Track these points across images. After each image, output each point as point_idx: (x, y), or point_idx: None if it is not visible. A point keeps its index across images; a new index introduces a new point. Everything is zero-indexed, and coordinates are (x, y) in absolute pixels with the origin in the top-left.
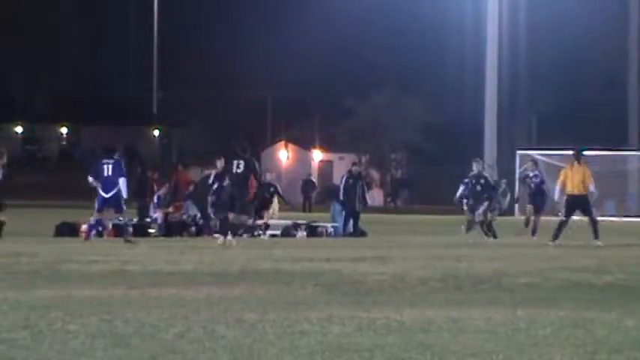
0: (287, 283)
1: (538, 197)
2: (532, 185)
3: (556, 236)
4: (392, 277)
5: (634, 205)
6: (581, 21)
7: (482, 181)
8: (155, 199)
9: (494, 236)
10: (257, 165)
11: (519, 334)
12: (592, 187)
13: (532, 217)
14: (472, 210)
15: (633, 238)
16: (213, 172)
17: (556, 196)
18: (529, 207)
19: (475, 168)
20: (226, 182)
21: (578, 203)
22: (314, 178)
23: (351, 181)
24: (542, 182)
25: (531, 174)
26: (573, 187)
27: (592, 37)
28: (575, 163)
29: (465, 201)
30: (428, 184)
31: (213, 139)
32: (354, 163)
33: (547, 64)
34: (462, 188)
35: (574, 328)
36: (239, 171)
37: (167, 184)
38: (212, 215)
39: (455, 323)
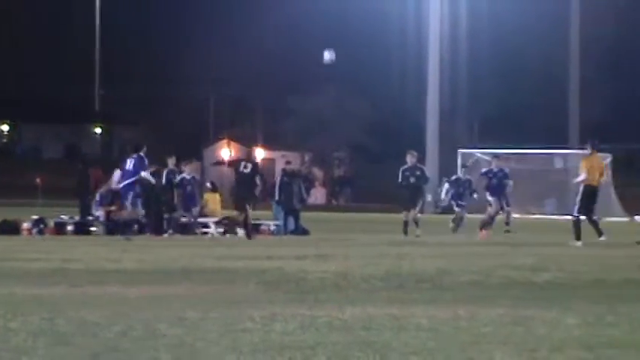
0: (229, 281)
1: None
2: (495, 181)
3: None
4: (334, 275)
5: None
6: (522, 24)
7: (417, 173)
8: (97, 198)
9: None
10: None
11: (461, 332)
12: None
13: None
14: (409, 203)
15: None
16: (166, 170)
17: (580, 178)
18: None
19: (409, 160)
20: (190, 176)
21: (595, 195)
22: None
23: (285, 179)
24: (505, 177)
25: (495, 169)
26: (593, 179)
27: (533, 40)
28: (595, 154)
29: (453, 202)
30: (371, 182)
31: (156, 136)
32: (287, 162)
33: (489, 66)
34: (446, 187)
35: (514, 325)
36: (246, 171)
37: (108, 183)
38: (181, 210)
39: (397, 321)
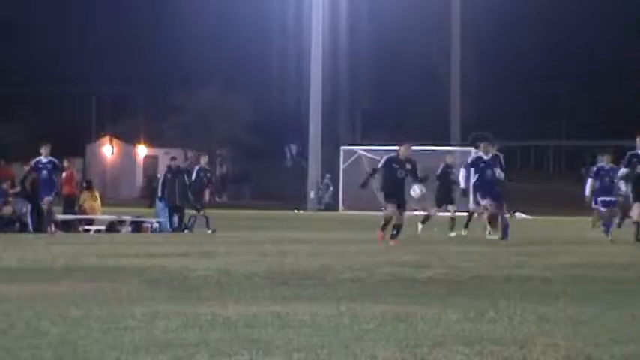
0: (112, 278)
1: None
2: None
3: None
4: (217, 273)
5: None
6: (403, 19)
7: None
8: None
9: None
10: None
11: (343, 329)
12: None
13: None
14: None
15: (455, 231)
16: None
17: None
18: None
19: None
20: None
21: None
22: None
23: (169, 176)
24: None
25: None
26: None
27: (414, 36)
28: None
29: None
30: (255, 179)
31: (38, 134)
32: (172, 158)
33: (370, 62)
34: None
35: (397, 322)
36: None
37: (8, 180)
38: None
39: (280, 318)
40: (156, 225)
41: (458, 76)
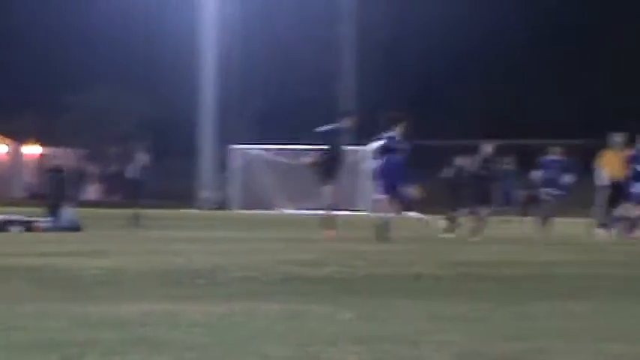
0: (1, 278)
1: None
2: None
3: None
4: (108, 272)
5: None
6: (296, 16)
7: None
8: None
9: None
10: None
11: (236, 328)
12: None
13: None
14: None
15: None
16: None
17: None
18: None
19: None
20: None
21: (618, 188)
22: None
23: (49, 175)
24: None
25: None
26: (614, 172)
27: (306, 33)
28: (616, 147)
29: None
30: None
31: None
32: (54, 158)
33: (263, 60)
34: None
35: (289, 321)
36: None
37: None
38: None
39: (172, 317)
40: (47, 224)
41: (352, 76)
